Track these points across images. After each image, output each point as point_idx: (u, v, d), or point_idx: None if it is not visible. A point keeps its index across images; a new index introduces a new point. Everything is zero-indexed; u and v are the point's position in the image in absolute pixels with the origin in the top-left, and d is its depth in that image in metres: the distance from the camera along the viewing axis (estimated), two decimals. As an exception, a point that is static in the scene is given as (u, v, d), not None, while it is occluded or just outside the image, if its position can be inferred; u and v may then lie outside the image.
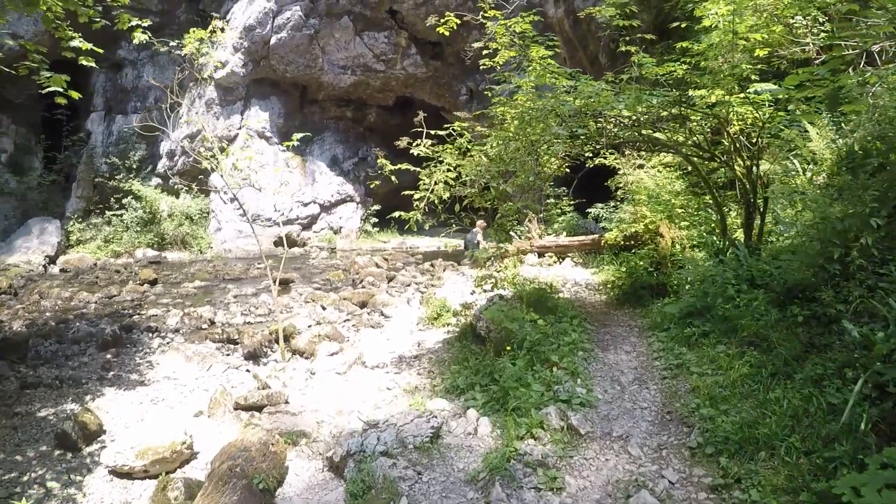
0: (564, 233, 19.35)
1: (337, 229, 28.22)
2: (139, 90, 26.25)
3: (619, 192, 16.74)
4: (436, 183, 10.86)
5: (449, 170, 10.93)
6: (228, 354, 12.73)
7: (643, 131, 10.90)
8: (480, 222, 15.19)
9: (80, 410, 9.44)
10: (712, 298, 9.06)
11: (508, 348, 8.86)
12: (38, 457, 8.70)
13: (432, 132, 11.36)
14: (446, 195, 10.89)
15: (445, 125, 11.45)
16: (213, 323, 15.07)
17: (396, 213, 10.83)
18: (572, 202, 20.13)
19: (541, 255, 18.10)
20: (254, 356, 12.31)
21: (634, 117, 10.19)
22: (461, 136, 11.32)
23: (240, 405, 9.22)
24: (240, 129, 26.71)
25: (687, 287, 10.71)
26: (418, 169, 11.15)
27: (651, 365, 8.74)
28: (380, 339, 12.78)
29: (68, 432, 8.88)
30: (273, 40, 25.44)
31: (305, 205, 27.67)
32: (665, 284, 11.84)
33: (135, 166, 26.23)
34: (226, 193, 26.09)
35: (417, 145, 11.00)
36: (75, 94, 8.85)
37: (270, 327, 13.01)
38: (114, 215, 25.51)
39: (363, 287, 17.99)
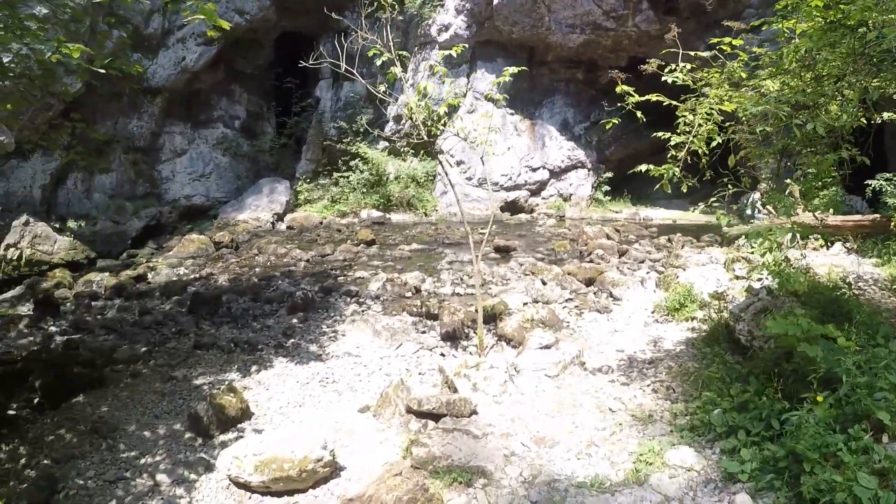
0: (831, 210, 14.57)
1: (566, 196, 25.14)
2: (364, 56, 24.74)
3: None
4: (699, 124, 7.08)
5: (720, 102, 7.15)
6: (424, 332, 10.22)
7: None
8: (762, 185, 11.28)
9: (220, 390, 7.35)
10: None
11: (819, 398, 5.09)
12: (168, 437, 6.95)
13: (692, 53, 7.62)
14: (714, 142, 7.22)
15: (714, 41, 7.62)
16: (417, 291, 12.70)
17: (643, 167, 7.21)
18: (837, 172, 15.02)
19: (803, 237, 13.55)
20: (452, 337, 9.68)
21: None
22: (733, 58, 7.57)
23: (412, 410, 6.52)
24: (465, 93, 24.36)
25: None
26: (675, 103, 7.40)
27: None
28: (606, 328, 9.66)
29: (200, 416, 6.99)
30: (496, 0, 22.72)
31: (534, 170, 24.81)
32: None
33: (362, 130, 24.86)
34: (452, 157, 23.93)
35: (671, 70, 7.36)
36: (225, 24, 6.65)
37: (478, 303, 10.29)
38: (341, 176, 24.34)
39: (591, 261, 14.79)
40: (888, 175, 12.81)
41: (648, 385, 7.11)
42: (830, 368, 5.17)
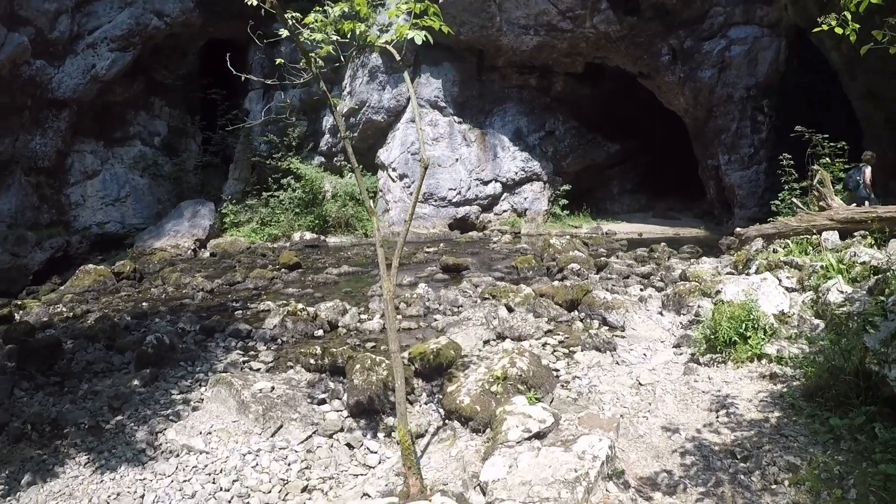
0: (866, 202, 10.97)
1: (521, 211, 21.30)
2: (297, 64, 20.78)
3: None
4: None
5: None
6: (322, 402, 5.91)
7: None
8: (867, 153, 7.64)
9: None
10: None
11: None
12: None
13: None
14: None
15: None
16: (333, 327, 8.59)
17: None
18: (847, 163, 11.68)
19: (844, 234, 9.77)
20: (367, 410, 5.44)
21: None
22: None
23: None
24: (409, 99, 20.35)
25: None
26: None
27: None
28: (622, 380, 5.62)
29: None
30: (441, -2, 18.92)
31: (486, 183, 21.00)
32: None
33: (294, 144, 20.95)
34: (394, 171, 19.92)
35: None
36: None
37: (412, 348, 6.13)
38: (271, 196, 20.17)
39: (564, 278, 10.76)
40: None
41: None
42: None
